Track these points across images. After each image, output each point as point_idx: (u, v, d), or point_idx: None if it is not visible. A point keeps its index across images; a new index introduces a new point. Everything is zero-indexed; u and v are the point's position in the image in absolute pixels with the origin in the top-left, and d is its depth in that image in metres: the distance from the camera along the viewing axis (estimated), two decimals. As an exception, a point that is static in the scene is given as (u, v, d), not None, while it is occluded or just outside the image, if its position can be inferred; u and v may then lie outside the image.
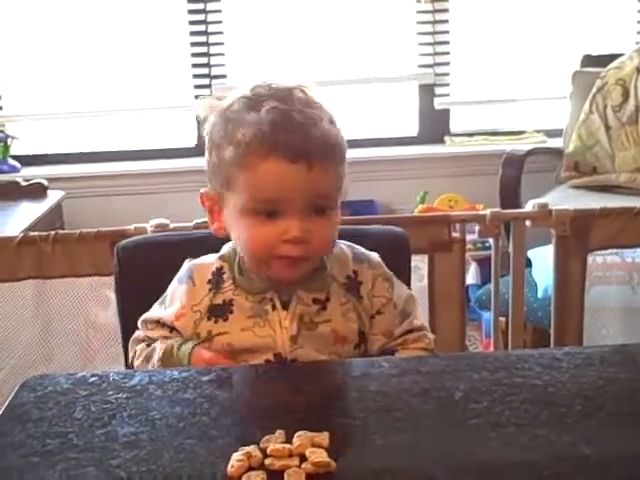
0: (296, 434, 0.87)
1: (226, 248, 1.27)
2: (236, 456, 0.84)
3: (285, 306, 1.22)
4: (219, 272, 1.24)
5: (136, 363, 1.27)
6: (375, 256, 1.30)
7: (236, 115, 1.15)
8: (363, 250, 1.30)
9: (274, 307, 1.21)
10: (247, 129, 1.13)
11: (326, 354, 1.20)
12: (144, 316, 1.30)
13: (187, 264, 1.28)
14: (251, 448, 0.86)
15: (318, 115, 1.15)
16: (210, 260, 1.26)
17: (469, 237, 2.19)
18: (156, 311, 1.29)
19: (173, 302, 1.26)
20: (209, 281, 1.24)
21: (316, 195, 1.15)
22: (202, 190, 1.24)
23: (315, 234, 1.15)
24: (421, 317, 1.34)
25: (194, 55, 3.82)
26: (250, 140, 1.12)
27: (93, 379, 1.05)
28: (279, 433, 0.88)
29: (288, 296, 1.22)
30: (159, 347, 1.25)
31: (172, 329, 1.26)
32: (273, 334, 1.20)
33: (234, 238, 1.23)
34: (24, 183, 3.39)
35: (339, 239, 1.26)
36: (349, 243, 1.30)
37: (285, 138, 1.11)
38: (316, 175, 1.13)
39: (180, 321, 1.24)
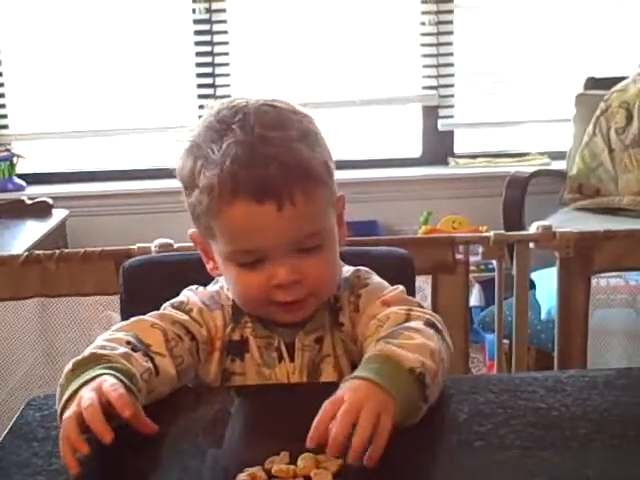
0: (301, 456, 0.87)
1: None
2: (241, 477, 0.84)
3: (291, 354, 1.15)
4: (236, 305, 1.16)
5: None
6: (352, 273, 1.20)
7: (201, 151, 1.07)
8: (346, 269, 1.20)
9: (280, 356, 1.15)
10: (211, 171, 1.04)
11: None
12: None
13: (205, 289, 1.20)
14: (255, 469, 0.86)
15: (286, 137, 1.05)
16: (224, 290, 1.19)
17: (472, 259, 2.20)
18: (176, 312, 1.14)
19: (205, 327, 1.15)
20: (231, 313, 1.17)
21: (295, 237, 1.06)
22: (190, 231, 1.17)
23: (308, 273, 1.08)
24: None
25: (199, 75, 3.84)
26: (214, 184, 1.04)
27: (98, 399, 1.05)
28: (283, 454, 0.88)
29: (291, 337, 1.16)
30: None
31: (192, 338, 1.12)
32: None
33: (226, 283, 1.16)
34: (29, 201, 3.41)
35: (342, 260, 1.20)
36: (352, 269, 1.22)
37: (246, 177, 1.03)
38: (289, 215, 1.04)
39: (214, 345, 1.15)
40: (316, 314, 1.16)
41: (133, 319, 1.12)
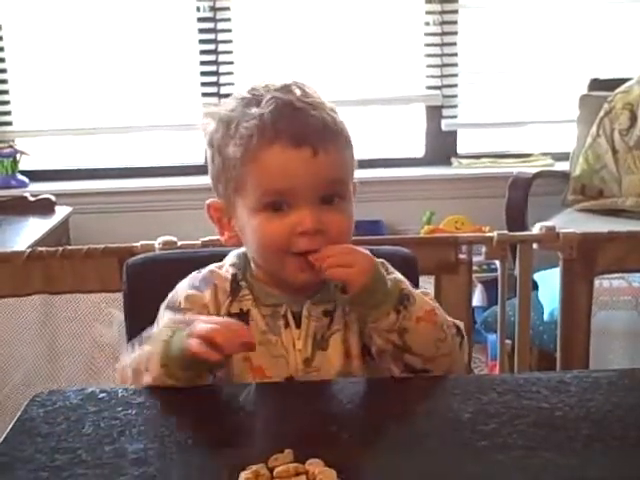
0: (308, 462, 0.87)
1: (233, 257, 1.24)
2: (244, 474, 0.85)
3: (297, 322, 1.19)
4: (235, 279, 1.21)
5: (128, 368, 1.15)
6: (379, 261, 1.21)
7: (237, 114, 1.15)
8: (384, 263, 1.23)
9: (287, 324, 1.18)
10: (250, 122, 1.12)
11: (338, 375, 1.17)
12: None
13: (199, 273, 1.23)
14: (259, 466, 0.86)
15: (320, 102, 1.16)
16: (225, 270, 1.23)
17: (475, 259, 2.19)
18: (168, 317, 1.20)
19: (195, 309, 1.19)
20: (228, 288, 1.20)
21: (324, 181, 1.13)
22: (208, 201, 1.22)
23: (329, 225, 1.13)
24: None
25: (203, 74, 3.84)
26: (253, 132, 1.12)
27: (102, 395, 1.06)
28: (287, 452, 0.88)
29: (299, 307, 1.19)
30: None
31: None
32: (286, 354, 1.18)
33: (247, 243, 1.20)
34: (32, 198, 3.40)
35: None
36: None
37: (287, 124, 1.11)
38: (322, 160, 1.12)
39: None
40: (325, 286, 1.20)
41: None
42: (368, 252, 1.15)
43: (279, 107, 1.12)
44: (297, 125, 1.11)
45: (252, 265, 1.22)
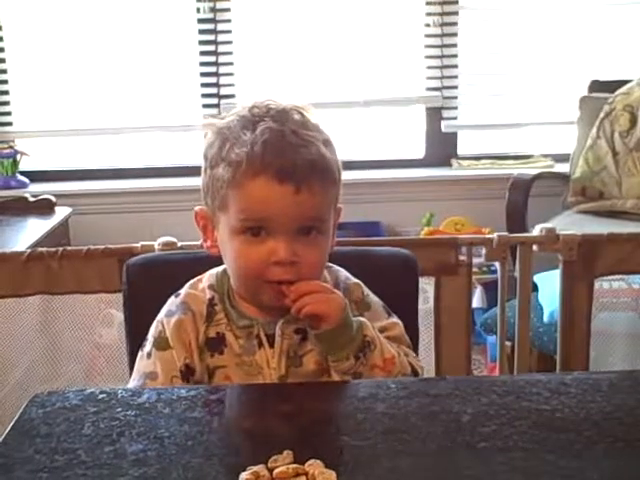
0: (307, 462, 0.86)
1: (214, 277, 1.27)
2: (244, 475, 0.84)
3: (271, 341, 1.21)
4: (211, 303, 1.24)
5: None
6: (355, 283, 1.28)
7: (232, 134, 1.16)
8: (346, 276, 1.28)
9: (260, 344, 1.21)
10: (241, 148, 1.14)
11: None
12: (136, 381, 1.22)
13: (177, 298, 1.26)
14: (259, 467, 0.86)
15: (312, 137, 1.16)
16: (201, 290, 1.26)
17: (475, 260, 2.19)
18: (150, 362, 1.23)
19: (176, 338, 1.22)
20: (205, 312, 1.24)
21: (303, 216, 1.15)
22: (196, 208, 1.25)
23: (303, 257, 1.16)
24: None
25: (203, 75, 3.84)
26: (242, 159, 1.13)
27: (102, 396, 1.06)
28: (286, 453, 0.88)
29: (272, 328, 1.21)
30: None
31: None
32: (261, 373, 1.20)
33: (226, 261, 1.23)
34: (32, 199, 3.41)
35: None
36: (338, 268, 1.29)
37: (275, 159, 1.12)
38: (304, 198, 1.14)
39: (191, 358, 1.22)
40: None
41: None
42: (340, 293, 1.19)
43: (270, 139, 1.13)
44: (283, 161, 1.12)
45: (232, 282, 1.24)
